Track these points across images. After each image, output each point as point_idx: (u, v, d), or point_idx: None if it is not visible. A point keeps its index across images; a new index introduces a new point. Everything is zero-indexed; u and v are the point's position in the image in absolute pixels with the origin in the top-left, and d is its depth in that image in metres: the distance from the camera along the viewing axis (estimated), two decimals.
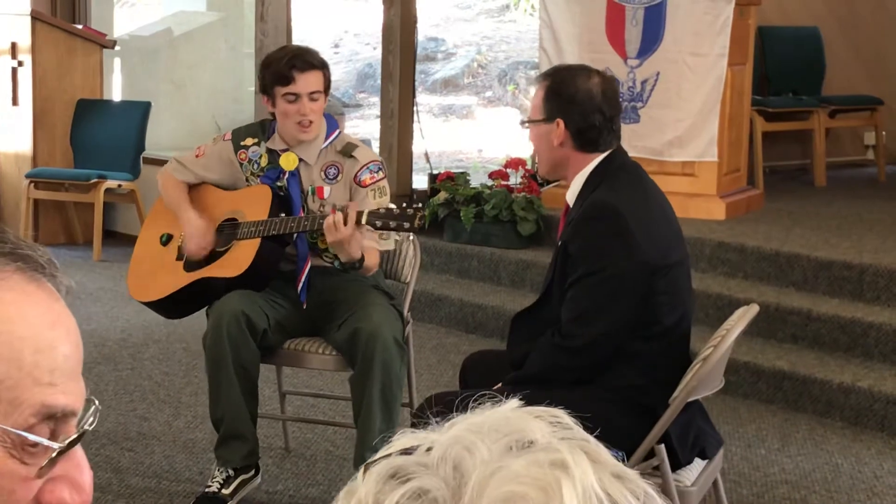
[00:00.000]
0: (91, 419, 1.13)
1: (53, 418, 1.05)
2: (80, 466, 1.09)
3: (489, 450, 0.74)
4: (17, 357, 1.02)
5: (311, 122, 4.09)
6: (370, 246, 4.02)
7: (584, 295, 3.27)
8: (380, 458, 0.76)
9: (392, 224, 3.77)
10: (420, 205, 3.81)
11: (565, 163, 3.43)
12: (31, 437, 1.03)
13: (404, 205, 3.82)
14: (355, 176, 4.11)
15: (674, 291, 3.32)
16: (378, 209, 3.81)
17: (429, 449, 0.75)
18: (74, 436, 1.08)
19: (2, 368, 1.01)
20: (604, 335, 3.26)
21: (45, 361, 1.04)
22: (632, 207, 3.30)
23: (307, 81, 4.07)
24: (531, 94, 3.60)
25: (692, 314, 3.46)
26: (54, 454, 1.04)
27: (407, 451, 0.76)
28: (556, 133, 3.39)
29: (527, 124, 3.52)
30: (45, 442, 1.04)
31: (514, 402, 0.79)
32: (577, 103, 3.38)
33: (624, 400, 3.27)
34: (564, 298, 3.32)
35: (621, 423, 3.23)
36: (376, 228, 3.81)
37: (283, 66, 4.07)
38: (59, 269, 1.08)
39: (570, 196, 3.45)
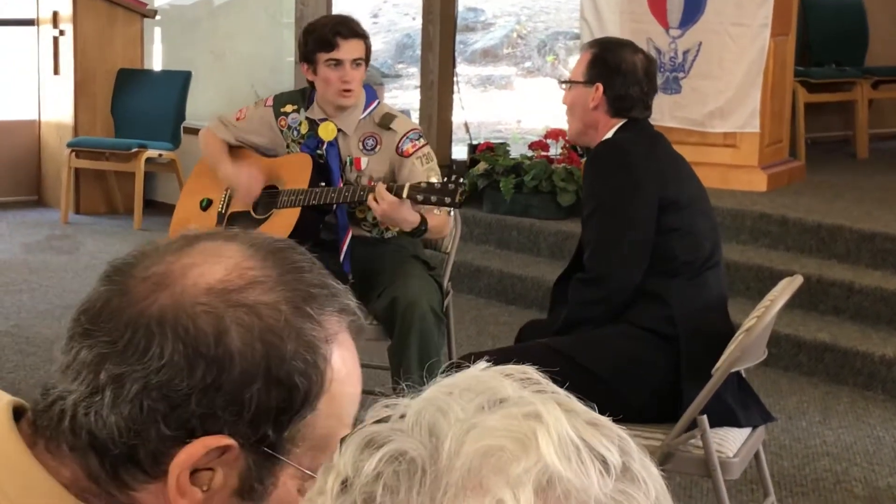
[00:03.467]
0: None
1: None
2: None
3: (462, 409, 0.75)
4: (342, 413, 1.10)
5: (351, 89, 4.09)
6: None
7: (595, 230, 3.44)
8: (354, 430, 0.77)
9: (433, 198, 3.77)
10: (462, 179, 3.81)
11: (595, 126, 3.58)
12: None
13: (445, 179, 3.82)
14: (396, 147, 4.10)
15: (688, 230, 3.44)
16: (419, 183, 3.81)
17: (402, 416, 0.76)
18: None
19: (331, 423, 1.09)
20: (619, 263, 3.38)
21: (354, 410, 1.12)
22: (636, 145, 3.48)
23: (350, 48, 4.07)
24: (571, 65, 3.68)
25: (720, 267, 3.55)
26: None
27: (382, 421, 0.77)
28: (594, 96, 3.55)
29: (565, 85, 3.67)
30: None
31: (482, 364, 0.80)
32: (621, 73, 3.55)
33: (650, 333, 3.35)
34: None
35: (649, 357, 3.33)
36: (417, 202, 3.80)
37: (328, 32, 4.07)
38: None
39: None
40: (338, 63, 4.06)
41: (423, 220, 3.89)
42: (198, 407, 1.03)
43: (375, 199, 3.80)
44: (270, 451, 1.06)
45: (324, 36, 4.08)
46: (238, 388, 1.04)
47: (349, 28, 4.11)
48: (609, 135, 3.55)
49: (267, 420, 1.05)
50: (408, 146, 4.11)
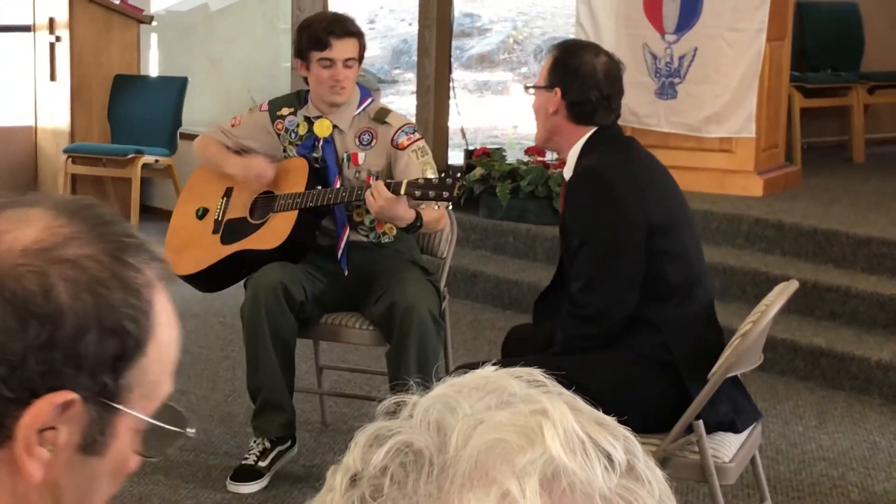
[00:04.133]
0: None
1: None
2: None
3: (471, 406, 0.76)
4: (167, 358, 1.13)
5: (344, 87, 4.10)
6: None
7: (585, 263, 3.34)
8: (363, 427, 0.78)
9: (431, 194, 3.78)
10: (458, 174, 3.82)
11: (558, 133, 3.50)
12: (164, 426, 1.15)
13: (443, 174, 3.84)
14: (392, 140, 4.11)
15: (678, 252, 3.38)
16: (416, 179, 3.82)
17: (411, 414, 0.77)
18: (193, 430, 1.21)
19: (159, 368, 1.12)
20: (613, 298, 3.32)
21: (176, 355, 1.16)
22: (614, 169, 3.38)
23: (343, 48, 4.08)
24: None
25: (706, 276, 3.50)
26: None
27: (391, 418, 0.78)
28: (553, 101, 3.47)
29: (531, 90, 3.60)
30: (169, 427, 1.16)
31: (491, 366, 0.81)
32: (579, 76, 3.46)
33: (647, 361, 3.31)
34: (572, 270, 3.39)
35: (647, 383, 3.29)
36: (415, 198, 3.81)
37: (321, 30, 4.08)
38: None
39: (567, 172, 3.52)
40: (330, 62, 4.07)
41: (418, 216, 3.90)
42: (37, 366, 1.05)
43: (372, 195, 3.81)
44: (110, 402, 1.08)
45: (317, 34, 4.09)
46: (73, 342, 1.05)
47: (342, 27, 4.11)
48: (578, 148, 3.45)
49: (105, 369, 1.07)
50: (403, 139, 4.12)
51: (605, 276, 3.31)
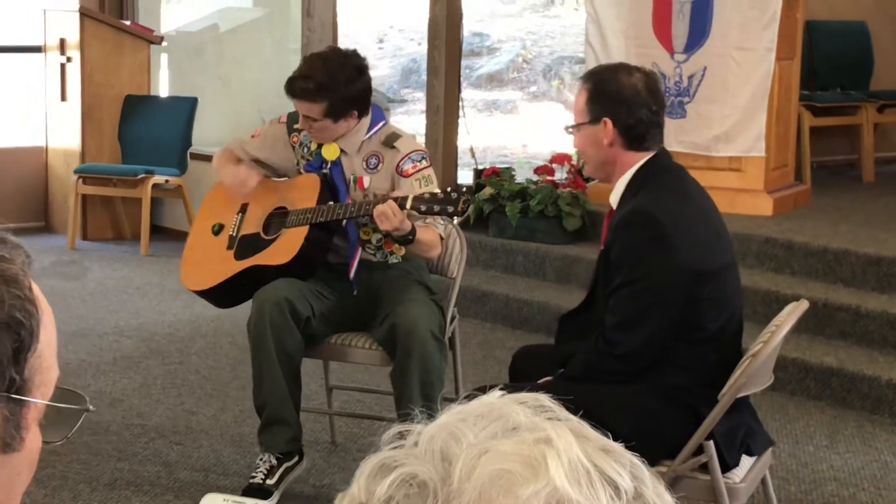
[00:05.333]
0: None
1: None
2: None
3: (475, 435, 0.76)
4: (53, 341, 1.13)
5: (316, 135, 4.10)
6: (430, 225, 4.02)
7: (625, 303, 3.25)
8: (369, 455, 0.78)
9: (436, 208, 3.78)
10: (464, 189, 3.81)
11: (614, 164, 3.39)
12: (69, 407, 1.16)
13: (448, 189, 3.83)
14: (397, 166, 4.10)
15: (719, 297, 3.29)
16: (422, 194, 3.82)
17: (416, 443, 0.77)
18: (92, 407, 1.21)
19: (49, 352, 1.12)
20: (646, 342, 3.25)
21: (55, 338, 1.15)
22: (671, 213, 3.26)
23: (300, 107, 4.08)
24: (577, 90, 3.54)
25: (741, 317, 3.41)
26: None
27: (396, 447, 0.78)
28: (605, 132, 3.36)
29: (572, 129, 3.48)
30: (74, 407, 1.17)
31: (497, 392, 0.81)
32: (624, 100, 3.35)
33: (669, 399, 3.26)
34: (608, 303, 3.31)
35: (666, 421, 3.23)
36: (420, 213, 3.81)
37: (287, 85, 4.09)
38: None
39: (614, 198, 3.42)
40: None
41: (413, 230, 3.90)
42: None
43: (386, 216, 3.79)
44: (19, 395, 1.08)
45: (286, 87, 4.10)
46: None
47: (293, 90, 4.04)
48: (629, 176, 3.35)
49: (9, 364, 1.07)
50: (408, 166, 4.10)
51: (643, 319, 3.24)
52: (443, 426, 0.77)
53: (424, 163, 4.12)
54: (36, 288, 1.12)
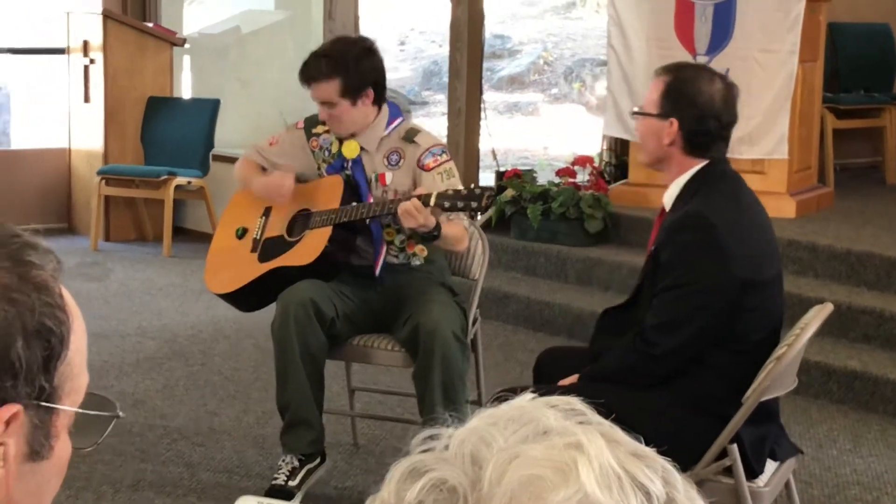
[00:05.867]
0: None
1: None
2: None
3: (505, 439, 0.76)
4: (84, 347, 1.14)
5: (334, 124, 4.11)
6: (454, 220, 4.02)
7: (669, 305, 3.24)
8: (399, 459, 0.78)
9: (460, 204, 3.79)
10: (489, 185, 3.82)
11: (669, 162, 3.38)
12: (99, 414, 1.16)
13: (472, 186, 3.84)
14: (418, 161, 4.10)
15: (765, 307, 3.27)
16: (446, 190, 3.83)
17: (446, 446, 0.77)
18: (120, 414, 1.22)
19: (80, 359, 1.12)
20: (684, 346, 3.23)
21: (86, 344, 1.16)
22: (726, 220, 3.23)
23: (317, 92, 4.09)
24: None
25: (780, 329, 3.37)
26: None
27: (426, 450, 0.78)
28: (668, 131, 3.33)
29: (637, 115, 3.46)
30: (103, 413, 1.17)
31: (528, 395, 0.80)
32: (696, 106, 3.31)
33: (700, 407, 3.24)
34: (652, 303, 3.29)
35: (695, 428, 3.21)
36: (444, 209, 3.82)
37: (300, 74, 4.11)
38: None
39: (668, 199, 3.40)
40: (318, 101, 4.11)
41: (437, 226, 3.91)
42: None
43: (410, 213, 3.80)
44: (49, 403, 1.08)
45: (299, 77, 4.12)
46: (4, 354, 1.05)
47: (307, 73, 4.09)
48: (685, 179, 3.32)
49: (39, 372, 1.07)
50: (429, 160, 4.10)
51: (686, 323, 3.22)
52: (473, 430, 0.77)
53: (445, 156, 4.13)
54: (66, 294, 1.12)
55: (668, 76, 3.38)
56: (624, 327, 3.41)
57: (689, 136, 3.32)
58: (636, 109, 3.50)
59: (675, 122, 3.32)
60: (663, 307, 3.25)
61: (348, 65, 4.06)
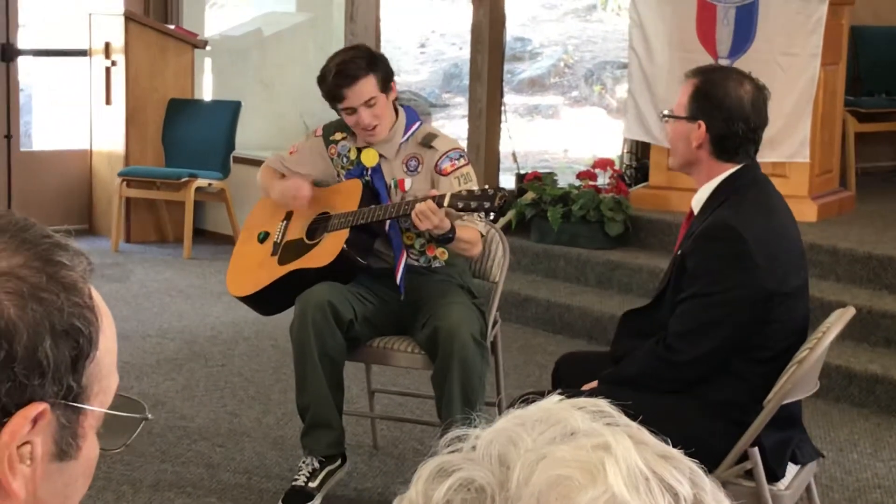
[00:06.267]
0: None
1: None
2: None
3: (533, 440, 0.76)
4: (113, 347, 1.14)
5: (375, 125, 4.10)
6: (469, 224, 4.02)
7: (694, 313, 3.22)
8: (427, 459, 0.78)
9: (473, 205, 3.79)
10: (503, 186, 3.82)
11: (698, 165, 3.36)
12: (128, 416, 1.17)
13: (486, 186, 3.85)
14: (435, 165, 4.11)
15: (790, 318, 3.25)
16: (460, 191, 3.83)
17: (474, 447, 0.77)
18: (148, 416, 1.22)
19: (109, 359, 1.12)
20: (708, 355, 3.22)
21: (116, 345, 1.16)
22: (755, 230, 3.21)
23: (358, 93, 4.06)
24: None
25: (805, 336, 3.35)
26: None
27: (453, 451, 0.78)
28: (696, 134, 3.32)
29: (667, 118, 3.45)
30: (132, 415, 1.18)
31: (556, 396, 0.80)
32: (724, 109, 3.30)
33: (721, 415, 3.23)
34: (675, 310, 3.28)
35: (717, 433, 3.20)
36: (458, 210, 3.83)
37: (332, 86, 4.08)
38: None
39: (696, 203, 3.38)
40: (353, 110, 4.09)
41: (452, 228, 3.91)
42: (2, 384, 1.05)
43: (425, 215, 3.80)
44: (76, 403, 1.09)
45: (330, 91, 4.09)
46: (32, 353, 1.05)
47: (348, 75, 4.06)
48: (714, 184, 3.31)
49: (66, 371, 1.07)
50: (446, 165, 4.11)
51: (709, 333, 3.20)
52: (501, 431, 0.77)
53: (462, 161, 4.13)
54: (96, 295, 1.12)
55: (697, 79, 3.37)
56: (646, 330, 3.39)
57: (716, 139, 3.30)
58: (666, 112, 3.49)
59: (703, 125, 3.31)
60: (688, 316, 3.23)
61: (376, 57, 4.14)
